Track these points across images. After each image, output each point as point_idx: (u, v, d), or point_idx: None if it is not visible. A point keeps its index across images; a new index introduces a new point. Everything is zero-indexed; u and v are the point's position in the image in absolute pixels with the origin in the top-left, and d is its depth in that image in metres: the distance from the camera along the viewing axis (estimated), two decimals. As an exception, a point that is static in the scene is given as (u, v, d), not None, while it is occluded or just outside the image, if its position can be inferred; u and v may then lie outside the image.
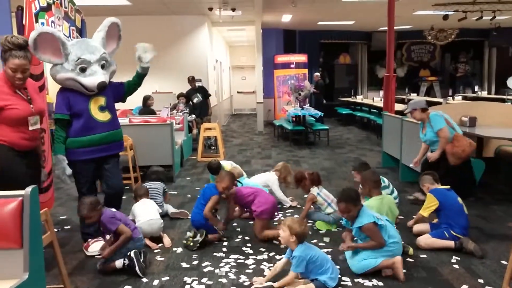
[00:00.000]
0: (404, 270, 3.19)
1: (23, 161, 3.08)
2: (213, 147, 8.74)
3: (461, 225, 3.59)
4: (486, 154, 5.84)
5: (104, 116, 3.55)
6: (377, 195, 3.68)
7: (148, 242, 3.78)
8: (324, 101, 13.87)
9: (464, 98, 12.62)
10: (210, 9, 9.24)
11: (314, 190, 4.31)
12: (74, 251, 3.75)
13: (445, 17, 10.81)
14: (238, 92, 18.84)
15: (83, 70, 3.42)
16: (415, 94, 13.96)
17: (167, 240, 3.88)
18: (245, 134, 11.57)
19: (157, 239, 3.89)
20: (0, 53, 3.05)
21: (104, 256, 3.25)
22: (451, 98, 11.60)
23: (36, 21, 4.26)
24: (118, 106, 9.53)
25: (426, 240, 3.62)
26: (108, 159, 3.64)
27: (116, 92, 3.74)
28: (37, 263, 2.30)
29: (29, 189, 2.29)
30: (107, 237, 3.52)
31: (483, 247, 3.56)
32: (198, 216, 3.85)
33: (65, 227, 4.39)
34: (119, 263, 3.23)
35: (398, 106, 9.40)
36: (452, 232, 3.57)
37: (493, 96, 13.97)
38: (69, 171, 3.46)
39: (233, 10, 9.17)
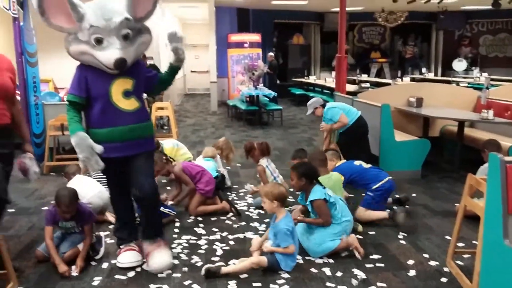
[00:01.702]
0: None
1: None
2: (166, 127, 8.56)
3: (373, 177, 3.77)
4: (432, 134, 6.06)
5: (129, 104, 2.72)
6: (325, 174, 3.73)
7: (109, 216, 3.74)
8: (278, 82, 13.90)
9: (412, 79, 13.03)
10: (161, -16, 8.92)
11: (263, 162, 4.38)
12: (18, 235, 3.57)
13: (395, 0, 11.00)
14: (191, 71, 18.51)
15: (99, 41, 2.59)
16: (366, 76, 14.26)
17: (112, 219, 3.71)
18: (199, 114, 11.42)
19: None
20: None
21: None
22: (399, 79, 11.95)
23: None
24: (61, 83, 8.99)
25: (362, 214, 3.74)
26: (136, 157, 2.84)
27: (148, 78, 2.92)
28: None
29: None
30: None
31: (426, 223, 3.72)
32: None
33: (10, 210, 4.15)
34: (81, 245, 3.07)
35: (350, 87, 9.59)
36: (372, 188, 3.72)
37: (439, 78, 14.52)
38: (99, 148, 2.66)
39: (185, -15, 8.91)
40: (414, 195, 4.52)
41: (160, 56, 10.57)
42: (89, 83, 2.70)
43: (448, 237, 3.37)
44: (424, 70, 14.95)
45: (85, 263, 2.98)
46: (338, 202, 3.22)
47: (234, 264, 2.97)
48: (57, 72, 9.50)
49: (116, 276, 2.86)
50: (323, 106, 4.95)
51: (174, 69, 3.02)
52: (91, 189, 3.70)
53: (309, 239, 3.19)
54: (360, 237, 3.47)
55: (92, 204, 3.54)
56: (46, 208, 4.17)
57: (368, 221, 3.71)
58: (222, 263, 2.99)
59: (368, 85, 10.56)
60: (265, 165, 4.37)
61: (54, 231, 3.06)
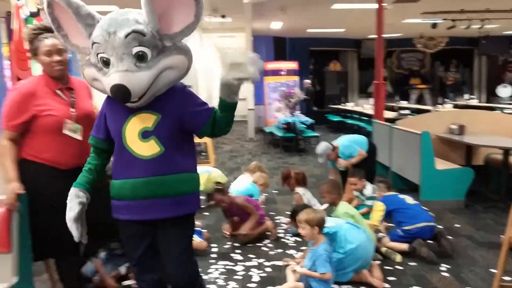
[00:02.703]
0: (393, 278, 3.20)
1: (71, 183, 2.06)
2: (204, 153, 8.69)
3: (408, 217, 3.66)
4: (476, 162, 5.86)
5: (146, 148, 1.98)
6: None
7: None
8: (315, 108, 13.92)
9: (455, 106, 12.73)
10: (201, 16, 9.26)
11: (300, 190, 4.37)
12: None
13: (434, 26, 10.94)
14: (229, 98, 18.82)
15: (105, 63, 1.91)
16: (405, 102, 14.05)
17: None
18: (236, 141, 11.55)
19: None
20: (30, 49, 2.46)
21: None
22: (441, 106, 11.70)
23: (26, 26, 4.24)
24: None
25: (385, 242, 3.67)
26: (165, 226, 2.07)
27: (193, 115, 2.03)
28: (25, 268, 2.31)
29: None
30: None
31: (470, 254, 3.58)
32: None
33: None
34: (123, 268, 3.14)
35: (388, 114, 9.48)
36: (403, 228, 3.64)
37: (483, 104, 14.12)
38: (72, 214, 1.99)
39: (223, 17, 9.20)
40: (457, 225, 4.36)
41: (198, 84, 10.85)
42: (108, 121, 2.08)
43: (493, 270, 3.22)
44: (467, 96, 14.58)
45: None
46: (340, 231, 3.16)
47: None
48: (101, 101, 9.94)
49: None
50: (334, 149, 4.91)
51: (230, 107, 2.02)
52: None
53: None
54: (401, 267, 3.38)
55: None
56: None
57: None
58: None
59: (407, 111, 10.39)
60: (302, 193, 4.37)
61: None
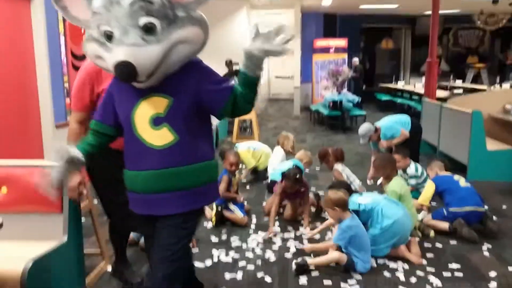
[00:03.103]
0: (432, 255, 3.18)
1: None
2: (249, 129, 8.82)
3: (457, 199, 3.57)
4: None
5: (158, 137, 1.76)
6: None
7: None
8: (364, 87, 13.62)
9: (513, 86, 12.04)
10: (249, -9, 9.22)
11: (339, 167, 4.37)
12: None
13: (495, 1, 10.30)
14: (276, 77, 18.77)
15: (108, 37, 1.66)
16: (461, 81, 13.45)
17: (207, 211, 3.95)
18: (281, 118, 11.58)
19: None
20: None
21: None
22: (498, 85, 11.12)
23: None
24: None
25: (426, 220, 3.65)
26: (165, 221, 1.86)
27: (210, 93, 1.80)
28: (75, 227, 2.47)
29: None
30: None
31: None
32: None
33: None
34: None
35: (440, 93, 9.15)
36: (449, 209, 3.56)
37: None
38: (54, 180, 1.83)
39: (273, -8, 9.12)
40: (504, 207, 4.23)
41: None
42: (116, 104, 1.86)
43: (539, 252, 3.13)
44: (527, 76, 13.73)
45: None
46: (377, 206, 3.16)
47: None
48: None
49: (195, 264, 3.06)
50: (376, 131, 4.88)
51: (251, 81, 1.75)
52: None
53: None
54: (440, 246, 3.35)
55: None
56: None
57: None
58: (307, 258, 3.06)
59: (461, 91, 9.97)
60: (341, 169, 4.37)
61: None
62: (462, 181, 3.72)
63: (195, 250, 3.28)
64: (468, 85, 12.72)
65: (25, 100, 4.06)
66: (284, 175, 3.76)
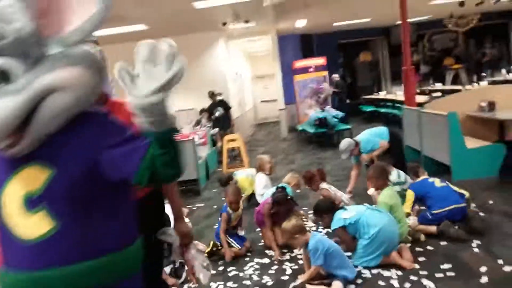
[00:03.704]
0: (424, 259, 3.25)
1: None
2: (238, 158, 8.92)
3: (437, 201, 3.66)
4: (510, 138, 5.72)
5: (31, 226, 1.24)
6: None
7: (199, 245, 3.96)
8: (348, 101, 13.83)
9: (493, 82, 12.31)
10: (224, 23, 9.47)
11: (325, 185, 4.44)
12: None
13: (461, 4, 10.63)
14: (261, 101, 19.02)
15: None
16: (440, 84, 13.73)
17: (201, 246, 4.00)
18: (271, 142, 11.72)
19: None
20: None
21: None
22: (476, 84, 11.37)
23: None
24: None
25: (416, 227, 3.72)
26: None
27: (109, 155, 1.26)
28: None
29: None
30: None
31: (504, 230, 3.56)
32: (217, 229, 3.95)
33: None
34: (167, 269, 3.38)
35: (421, 98, 9.34)
36: (432, 212, 3.66)
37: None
38: None
39: (247, 22, 9.36)
40: (491, 202, 4.32)
41: (229, 91, 11.09)
42: None
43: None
44: (504, 71, 14.04)
45: None
46: (362, 217, 3.26)
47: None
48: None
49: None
50: (356, 144, 5.03)
51: (161, 138, 1.19)
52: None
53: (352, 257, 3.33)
54: (431, 248, 3.43)
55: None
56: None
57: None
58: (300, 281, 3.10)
59: (439, 94, 10.19)
60: (328, 187, 4.46)
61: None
62: (437, 182, 3.84)
63: (191, 284, 3.32)
64: (447, 87, 13.01)
65: None
66: (273, 201, 3.84)
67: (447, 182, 3.89)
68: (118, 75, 1.16)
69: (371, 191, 4.00)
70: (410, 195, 3.87)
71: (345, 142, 5.05)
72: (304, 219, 4.18)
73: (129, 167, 1.23)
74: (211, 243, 3.84)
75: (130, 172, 1.23)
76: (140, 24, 8.71)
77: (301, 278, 3.08)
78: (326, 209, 3.47)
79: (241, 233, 4.02)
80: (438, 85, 12.89)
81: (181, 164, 1.27)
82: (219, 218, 3.98)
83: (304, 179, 4.58)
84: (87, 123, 1.29)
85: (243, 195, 4.77)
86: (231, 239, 3.86)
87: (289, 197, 3.91)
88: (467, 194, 3.78)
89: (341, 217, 3.32)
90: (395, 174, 4.39)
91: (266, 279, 3.28)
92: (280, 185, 4.49)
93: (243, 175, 5.57)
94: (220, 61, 11.04)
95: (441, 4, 11.73)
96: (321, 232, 4.14)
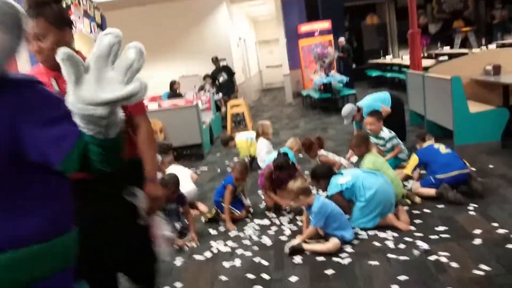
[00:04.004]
0: (420, 221, 3.31)
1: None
2: (242, 122, 8.95)
3: (441, 167, 3.69)
4: (514, 102, 5.69)
5: None
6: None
7: (200, 206, 4.14)
8: (354, 65, 13.67)
9: (503, 45, 12.06)
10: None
11: (323, 152, 4.50)
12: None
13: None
14: (267, 66, 18.85)
15: None
16: (448, 47, 13.48)
17: (203, 207, 4.12)
18: (275, 107, 11.70)
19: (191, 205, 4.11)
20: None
21: None
22: (484, 47, 11.16)
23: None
24: (148, 92, 10.13)
25: (414, 188, 3.82)
26: None
27: (30, 137, 1.09)
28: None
29: None
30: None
31: (502, 192, 3.60)
32: (217, 197, 3.97)
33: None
34: (178, 225, 3.60)
35: (427, 62, 9.22)
36: (436, 176, 3.69)
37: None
38: None
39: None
40: (491, 166, 4.34)
41: (233, 56, 10.99)
42: None
43: (524, 205, 3.26)
44: (514, 34, 13.74)
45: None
46: (357, 181, 3.31)
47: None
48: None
49: (195, 257, 3.22)
50: (359, 110, 5.01)
51: (104, 144, 1.09)
52: (182, 183, 4.07)
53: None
54: (429, 211, 3.48)
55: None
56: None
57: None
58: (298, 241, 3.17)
59: (446, 58, 10.03)
60: (326, 153, 4.51)
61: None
62: (442, 148, 3.86)
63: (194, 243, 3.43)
64: (454, 50, 12.77)
65: None
66: (275, 166, 3.88)
67: (452, 148, 3.90)
68: (62, 64, 0.98)
69: (354, 159, 4.09)
70: (415, 159, 3.94)
71: (347, 107, 5.06)
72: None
73: (54, 153, 1.09)
74: (213, 211, 3.91)
75: (55, 159, 1.09)
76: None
77: (298, 238, 3.16)
78: (322, 174, 3.53)
79: (246, 202, 4.04)
80: (446, 49, 12.66)
81: (118, 161, 1.15)
82: (223, 185, 3.95)
83: (303, 146, 4.61)
84: (5, 95, 1.09)
85: (238, 157, 4.93)
86: (231, 207, 3.89)
87: (290, 162, 3.95)
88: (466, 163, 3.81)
89: (337, 183, 3.37)
90: (386, 130, 4.50)
91: (265, 239, 3.37)
92: (282, 150, 4.54)
93: (242, 137, 5.65)
94: (222, 26, 10.90)
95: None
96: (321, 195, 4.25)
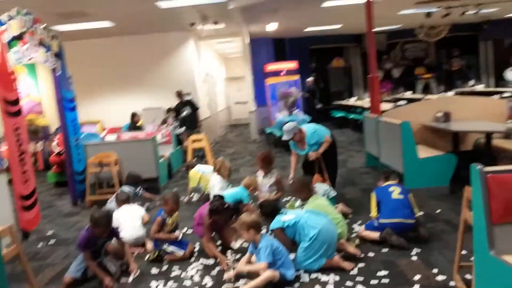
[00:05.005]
0: (363, 264, 3.30)
1: None
2: (205, 158, 8.88)
3: (387, 211, 3.74)
4: (466, 148, 5.87)
5: None
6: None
7: (132, 249, 3.94)
8: (320, 105, 13.96)
9: (461, 93, 12.59)
10: (192, 24, 9.40)
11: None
12: (54, 264, 3.92)
13: (428, 15, 10.90)
14: (236, 103, 19.02)
15: None
16: (410, 92, 13.98)
17: (150, 245, 3.98)
18: (240, 143, 11.72)
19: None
20: None
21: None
22: (444, 93, 11.63)
23: (10, 49, 4.49)
24: (107, 123, 9.82)
25: (360, 232, 3.85)
26: None
27: None
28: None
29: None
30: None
31: (444, 238, 3.65)
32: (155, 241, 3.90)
33: (50, 242, 4.56)
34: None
35: (387, 106, 9.49)
36: (379, 221, 3.73)
37: (492, 89, 13.88)
38: None
39: (216, 23, 9.34)
40: (438, 211, 4.43)
41: (197, 91, 11.03)
42: None
43: (464, 252, 3.28)
44: (472, 82, 14.39)
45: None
46: (301, 220, 3.33)
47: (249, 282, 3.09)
48: (104, 114, 10.27)
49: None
50: (301, 131, 4.92)
51: None
52: (128, 230, 4.02)
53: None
54: (372, 254, 3.48)
55: (125, 239, 3.79)
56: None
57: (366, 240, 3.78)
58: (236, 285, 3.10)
59: (405, 102, 10.37)
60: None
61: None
62: (395, 193, 3.86)
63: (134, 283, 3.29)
64: (414, 96, 13.24)
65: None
66: (210, 211, 3.73)
67: (408, 195, 3.87)
68: None
69: (297, 203, 4.15)
70: (373, 198, 3.95)
71: (291, 124, 4.93)
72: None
73: None
74: (156, 253, 3.80)
75: None
76: (105, 20, 8.59)
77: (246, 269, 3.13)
78: (268, 213, 3.56)
79: (179, 237, 3.90)
80: (408, 94, 13.11)
81: None
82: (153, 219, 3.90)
83: (263, 158, 4.90)
84: None
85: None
86: (172, 247, 3.78)
87: (226, 205, 3.81)
88: (417, 213, 3.82)
89: (280, 219, 3.39)
90: (322, 189, 4.47)
91: (207, 280, 3.28)
92: (240, 189, 4.53)
93: (196, 168, 5.75)
94: (189, 61, 10.98)
95: (409, 15, 11.97)
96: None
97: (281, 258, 3.10)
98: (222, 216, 3.73)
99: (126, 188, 5.16)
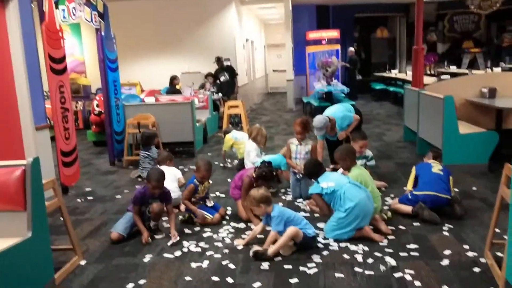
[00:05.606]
0: (393, 237, 3.30)
1: None
2: (240, 124, 8.96)
3: (423, 184, 3.72)
4: (508, 126, 5.64)
5: None
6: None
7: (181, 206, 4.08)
8: (360, 77, 13.69)
9: (509, 69, 12.00)
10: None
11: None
12: (91, 219, 4.11)
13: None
14: (273, 70, 18.87)
15: None
16: (455, 67, 13.45)
17: (183, 207, 4.09)
18: (276, 112, 11.70)
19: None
20: None
21: None
22: (489, 69, 11.12)
23: (57, 7, 4.60)
24: (146, 85, 9.98)
25: (392, 204, 3.85)
26: None
27: None
28: (40, 224, 2.62)
29: (30, 159, 2.60)
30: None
31: (479, 216, 3.58)
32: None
33: (88, 198, 4.78)
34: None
35: (429, 80, 9.20)
36: (413, 192, 3.72)
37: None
38: None
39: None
40: (474, 188, 4.33)
41: (237, 57, 11.01)
42: None
43: (497, 230, 3.22)
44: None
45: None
46: (340, 190, 3.31)
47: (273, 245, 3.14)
48: (143, 76, 10.44)
49: (165, 255, 3.22)
50: (331, 120, 4.75)
51: None
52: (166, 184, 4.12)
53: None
54: (403, 228, 3.47)
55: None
56: (119, 196, 4.74)
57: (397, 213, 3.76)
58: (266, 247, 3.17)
59: (448, 77, 10.00)
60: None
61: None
62: (435, 168, 3.81)
63: (167, 241, 3.43)
64: (459, 70, 12.73)
65: (4, 103, 4.19)
66: (258, 175, 3.76)
67: (448, 172, 3.81)
68: None
69: (340, 171, 4.06)
70: (412, 172, 3.97)
71: (321, 119, 4.63)
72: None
73: None
74: (186, 215, 3.91)
75: None
76: None
77: (256, 247, 3.14)
78: (314, 173, 3.64)
79: (210, 204, 3.97)
80: (453, 68, 12.62)
81: None
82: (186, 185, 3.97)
83: (302, 123, 4.49)
84: None
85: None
86: (202, 211, 3.85)
87: (274, 173, 3.88)
88: (453, 193, 3.77)
89: (319, 186, 3.42)
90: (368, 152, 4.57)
91: (237, 242, 3.37)
92: (278, 156, 4.54)
93: (230, 135, 5.74)
94: (230, 26, 10.92)
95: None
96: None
97: (297, 224, 3.13)
98: (268, 182, 3.79)
99: (144, 154, 5.27)
